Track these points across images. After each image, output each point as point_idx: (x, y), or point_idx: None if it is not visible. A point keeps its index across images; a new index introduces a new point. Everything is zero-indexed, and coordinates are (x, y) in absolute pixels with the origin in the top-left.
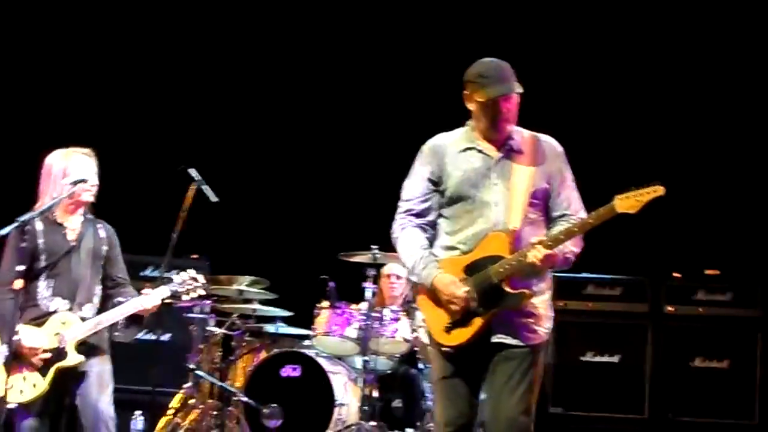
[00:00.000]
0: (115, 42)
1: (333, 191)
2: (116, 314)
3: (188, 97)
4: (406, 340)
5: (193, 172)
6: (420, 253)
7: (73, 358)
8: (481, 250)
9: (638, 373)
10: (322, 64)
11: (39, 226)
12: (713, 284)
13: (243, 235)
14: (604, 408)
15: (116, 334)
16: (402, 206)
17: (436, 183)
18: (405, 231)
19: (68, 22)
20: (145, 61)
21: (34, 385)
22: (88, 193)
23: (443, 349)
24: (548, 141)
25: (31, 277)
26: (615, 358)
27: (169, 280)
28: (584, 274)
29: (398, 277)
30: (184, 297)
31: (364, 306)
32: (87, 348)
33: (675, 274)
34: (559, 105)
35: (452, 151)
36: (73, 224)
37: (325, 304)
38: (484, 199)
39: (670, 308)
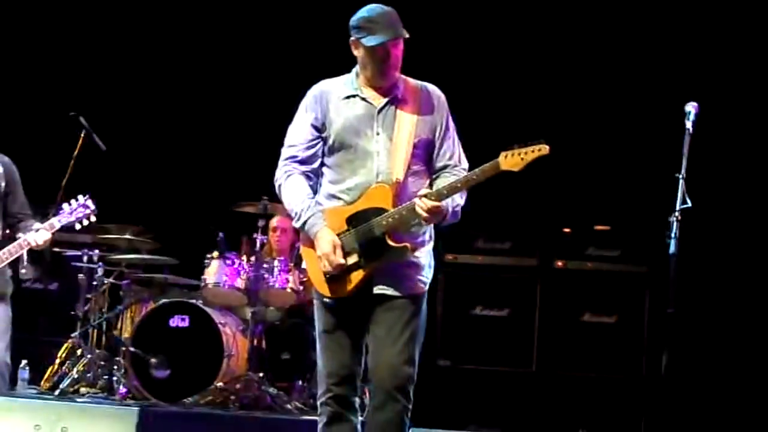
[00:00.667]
0: None
1: (224, 141)
2: (12, 251)
3: (79, 43)
4: (295, 292)
5: (82, 120)
6: (306, 203)
7: None
8: (364, 201)
9: (527, 328)
10: (210, 7)
11: None
12: (603, 240)
13: (132, 184)
14: (492, 362)
15: (22, 271)
16: (285, 152)
17: (320, 130)
18: (290, 178)
19: None
20: (37, 5)
21: None
22: None
23: (324, 300)
24: (433, 90)
25: None
26: (504, 312)
27: (60, 211)
28: (475, 228)
29: (284, 231)
30: (78, 226)
31: (253, 258)
32: None
33: (565, 230)
34: (446, 54)
35: (336, 98)
36: None
37: (215, 254)
38: (366, 148)
39: (559, 263)
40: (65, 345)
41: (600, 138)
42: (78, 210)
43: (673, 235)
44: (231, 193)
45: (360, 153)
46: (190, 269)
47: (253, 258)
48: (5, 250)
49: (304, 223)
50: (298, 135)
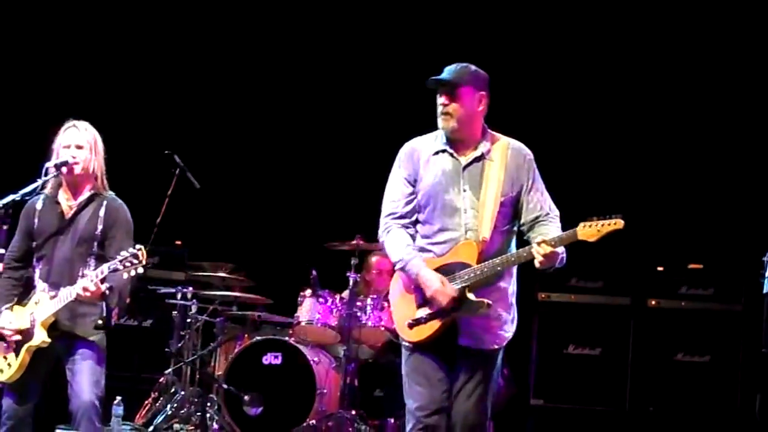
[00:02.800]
0: (108, 28)
1: (319, 180)
2: (65, 297)
3: (175, 82)
4: (388, 329)
5: (176, 158)
6: (406, 250)
7: (38, 338)
8: (452, 255)
9: (620, 367)
10: (311, 55)
11: (39, 205)
12: (696, 279)
13: (226, 221)
14: (585, 401)
15: (99, 322)
16: (385, 209)
17: (413, 185)
18: (390, 233)
19: (65, 6)
20: (136, 48)
21: (9, 365)
22: (72, 170)
23: (404, 343)
24: (519, 147)
25: (32, 257)
26: (597, 351)
27: (112, 258)
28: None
29: (388, 272)
30: (124, 275)
31: (347, 295)
32: (68, 333)
33: (658, 268)
34: (536, 108)
35: (426, 154)
36: (74, 202)
37: (308, 292)
38: (454, 204)
39: (652, 302)
40: (159, 381)
41: (694, 178)
42: (128, 259)
43: (767, 274)
44: (324, 231)
45: (448, 209)
46: (283, 307)
47: (346, 296)
48: (59, 296)
49: (405, 267)
50: (394, 192)
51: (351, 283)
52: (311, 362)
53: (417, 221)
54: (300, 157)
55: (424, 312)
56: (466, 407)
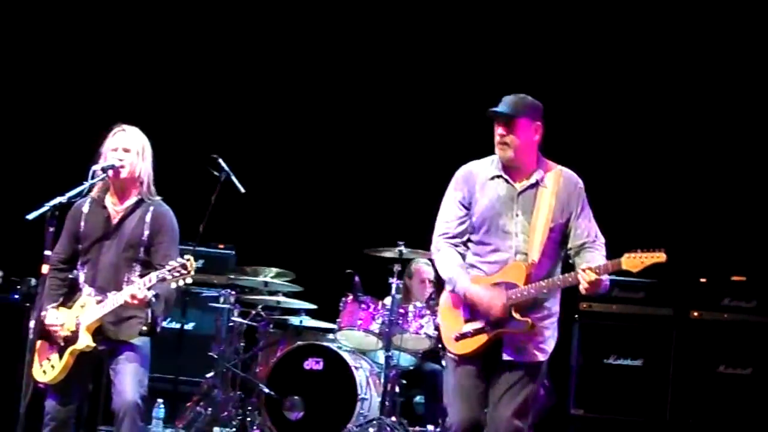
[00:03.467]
0: (158, 34)
1: (361, 186)
2: (111, 303)
3: (219, 86)
4: (430, 337)
5: (221, 162)
6: (455, 270)
7: (82, 341)
8: (501, 274)
9: (661, 378)
10: (356, 61)
11: (86, 208)
12: (739, 290)
13: (270, 226)
14: (625, 411)
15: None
16: (438, 229)
17: (467, 207)
18: (441, 252)
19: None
20: (180, 50)
21: (53, 367)
22: (118, 173)
23: (449, 355)
24: (570, 176)
25: (77, 260)
26: (638, 362)
27: (158, 264)
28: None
29: (431, 281)
30: (173, 285)
31: (388, 301)
32: (113, 336)
33: (701, 279)
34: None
35: (482, 179)
36: (121, 207)
37: (350, 298)
38: (507, 228)
39: (695, 313)
40: (201, 385)
41: (738, 189)
42: (177, 269)
43: None
44: (366, 237)
45: (500, 232)
46: (325, 312)
47: (388, 302)
48: (106, 302)
49: (455, 286)
50: (448, 213)
51: (393, 289)
52: (352, 368)
53: (469, 240)
54: (344, 163)
55: (470, 327)
56: (507, 413)
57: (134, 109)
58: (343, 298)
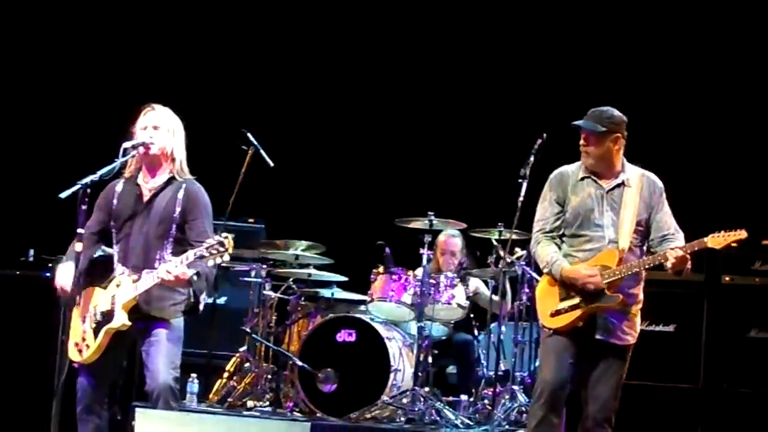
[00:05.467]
0: (181, 8)
1: (390, 156)
2: (148, 281)
3: (247, 61)
4: (462, 307)
5: (250, 136)
6: (552, 255)
7: (118, 320)
8: (595, 260)
9: (693, 343)
10: (386, 31)
11: (119, 187)
12: None
13: (299, 199)
14: (658, 377)
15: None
16: (536, 225)
17: (561, 205)
18: (540, 244)
19: None
20: (208, 25)
21: (88, 346)
22: (148, 150)
23: (543, 329)
24: (651, 177)
25: (109, 239)
26: (670, 328)
27: (194, 241)
28: None
29: (452, 254)
30: (210, 262)
31: (420, 272)
32: (145, 315)
33: (732, 244)
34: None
35: (573, 180)
36: (152, 184)
37: (381, 269)
38: (598, 221)
39: (726, 278)
40: (233, 359)
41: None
42: (214, 246)
43: None
44: (397, 208)
45: (593, 225)
46: (356, 284)
47: (419, 273)
48: (141, 280)
49: (552, 269)
50: (544, 211)
51: (424, 260)
52: (385, 339)
53: (563, 235)
54: (373, 134)
55: (566, 303)
56: (606, 395)
57: (164, 85)
58: (374, 270)
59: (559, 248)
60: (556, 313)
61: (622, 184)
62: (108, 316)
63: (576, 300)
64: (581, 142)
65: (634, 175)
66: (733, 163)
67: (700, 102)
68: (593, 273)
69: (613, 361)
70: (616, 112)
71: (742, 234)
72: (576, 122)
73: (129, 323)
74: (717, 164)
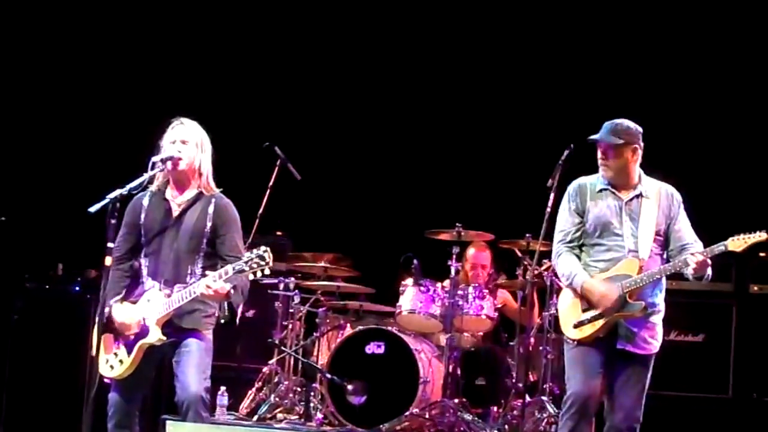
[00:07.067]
0: (209, 22)
1: (417, 168)
2: (184, 296)
3: (274, 75)
4: (490, 318)
5: (277, 150)
6: (573, 268)
7: (153, 336)
8: (616, 269)
9: (723, 353)
10: (412, 43)
11: (146, 201)
12: None
13: (327, 212)
14: (688, 388)
15: (218, 313)
16: (556, 236)
17: (581, 216)
18: (561, 256)
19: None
20: (236, 39)
21: (121, 362)
22: (176, 165)
23: (567, 340)
24: (669, 189)
25: (138, 254)
26: (699, 338)
27: (227, 256)
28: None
29: (482, 267)
30: (250, 276)
31: (447, 283)
32: (176, 328)
33: (761, 254)
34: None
35: (592, 191)
36: (181, 199)
37: (410, 281)
38: (618, 231)
39: (755, 288)
40: (263, 371)
41: None
42: (254, 260)
43: None
44: (425, 220)
45: (612, 235)
46: (384, 296)
47: (447, 285)
48: (176, 295)
49: (572, 282)
50: (564, 222)
51: (453, 272)
52: (414, 351)
53: (583, 245)
54: (399, 146)
55: (588, 315)
56: (631, 403)
57: (192, 99)
58: (403, 282)
59: (579, 258)
60: (579, 324)
61: (639, 195)
62: (142, 331)
63: (598, 310)
64: (600, 156)
65: (651, 186)
66: (754, 167)
67: (720, 105)
68: (609, 290)
69: (635, 369)
70: (632, 124)
71: (762, 236)
72: (593, 137)
73: (164, 338)
74: (737, 169)
